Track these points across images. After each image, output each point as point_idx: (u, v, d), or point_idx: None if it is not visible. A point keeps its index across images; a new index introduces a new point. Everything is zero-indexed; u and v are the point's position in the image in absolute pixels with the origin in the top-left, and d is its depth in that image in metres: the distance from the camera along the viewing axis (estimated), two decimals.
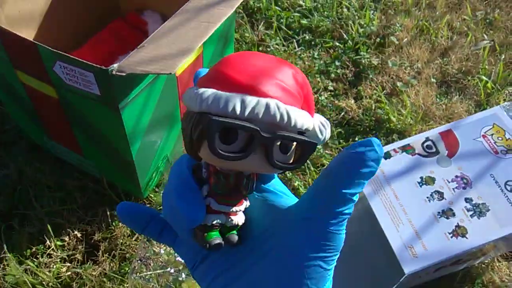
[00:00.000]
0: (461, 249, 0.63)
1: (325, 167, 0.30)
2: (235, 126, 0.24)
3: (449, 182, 0.69)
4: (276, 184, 0.31)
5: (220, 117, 0.24)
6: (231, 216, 0.28)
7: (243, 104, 0.24)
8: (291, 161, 0.27)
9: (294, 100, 0.26)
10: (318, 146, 0.29)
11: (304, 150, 0.27)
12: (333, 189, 0.27)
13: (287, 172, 0.83)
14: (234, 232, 0.28)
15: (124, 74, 0.56)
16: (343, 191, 0.26)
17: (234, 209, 0.28)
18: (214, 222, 0.27)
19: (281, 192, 0.31)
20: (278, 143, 0.26)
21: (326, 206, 0.27)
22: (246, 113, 0.24)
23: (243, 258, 0.28)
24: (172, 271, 0.73)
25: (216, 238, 0.27)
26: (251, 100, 0.24)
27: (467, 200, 0.67)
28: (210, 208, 0.27)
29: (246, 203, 0.29)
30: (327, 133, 0.28)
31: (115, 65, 0.57)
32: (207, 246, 0.27)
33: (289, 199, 0.30)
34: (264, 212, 0.30)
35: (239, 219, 0.28)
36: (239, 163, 0.25)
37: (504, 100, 1.06)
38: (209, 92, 0.25)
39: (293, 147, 0.27)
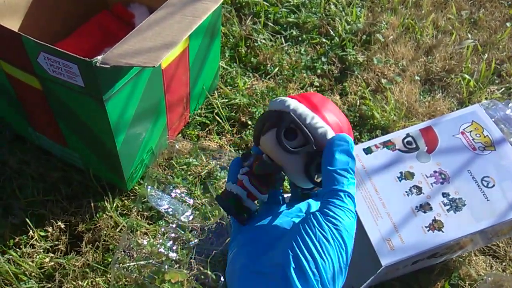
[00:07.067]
0: (437, 242, 0.65)
1: None
2: (268, 114, 0.40)
3: (427, 177, 0.71)
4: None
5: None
6: (250, 198, 0.39)
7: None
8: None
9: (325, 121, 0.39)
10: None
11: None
12: (325, 170, 0.36)
13: None
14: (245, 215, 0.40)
15: (108, 66, 0.57)
16: (329, 168, 0.36)
17: (256, 193, 0.39)
18: (234, 192, 0.39)
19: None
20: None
21: (326, 187, 0.36)
22: (277, 106, 0.40)
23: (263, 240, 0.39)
24: (154, 262, 0.74)
25: (230, 205, 0.39)
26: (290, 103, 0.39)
27: (445, 195, 0.69)
28: (241, 182, 0.39)
29: (262, 197, 0.40)
30: (328, 134, 0.38)
31: (99, 57, 0.57)
32: (215, 197, 0.41)
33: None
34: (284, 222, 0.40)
35: (251, 204, 0.39)
36: (263, 142, 0.39)
37: (486, 98, 1.08)
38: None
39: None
